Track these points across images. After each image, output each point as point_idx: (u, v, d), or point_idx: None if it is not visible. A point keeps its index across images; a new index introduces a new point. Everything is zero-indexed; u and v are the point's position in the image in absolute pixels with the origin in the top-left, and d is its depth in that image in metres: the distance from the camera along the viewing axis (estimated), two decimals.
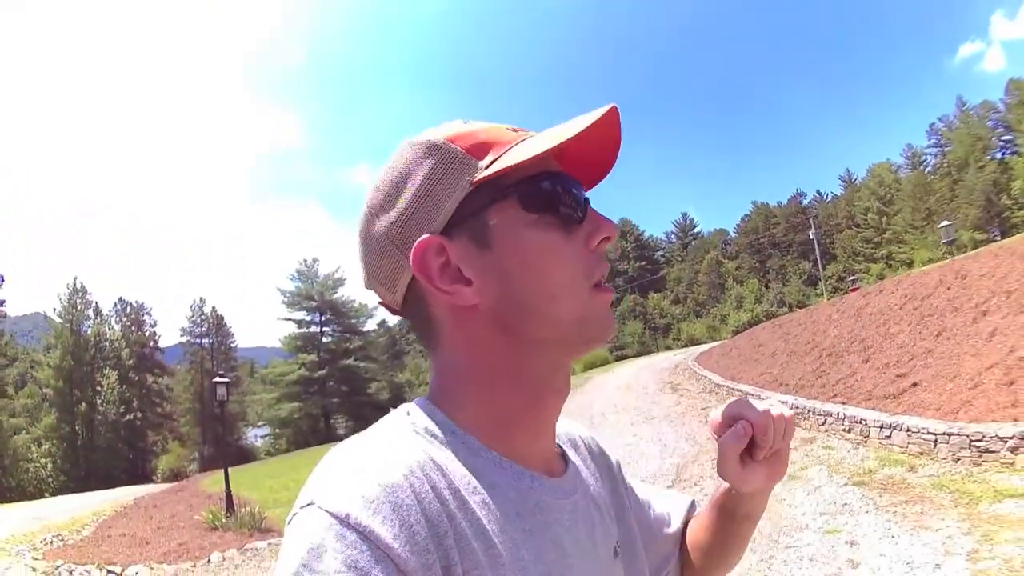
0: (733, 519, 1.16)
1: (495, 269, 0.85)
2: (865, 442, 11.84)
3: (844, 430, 12.58)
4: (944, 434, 10.03)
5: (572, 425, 1.14)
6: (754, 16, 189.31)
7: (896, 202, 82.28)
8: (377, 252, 0.88)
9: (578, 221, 0.88)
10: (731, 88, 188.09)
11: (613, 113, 0.86)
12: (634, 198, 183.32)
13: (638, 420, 18.90)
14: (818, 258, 71.57)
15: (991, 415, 9.80)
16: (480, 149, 0.85)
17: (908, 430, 10.83)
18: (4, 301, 64.81)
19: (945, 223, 35.64)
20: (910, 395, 12.06)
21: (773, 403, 1.03)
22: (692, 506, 1.30)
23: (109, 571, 12.31)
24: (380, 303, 0.95)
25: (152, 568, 12.38)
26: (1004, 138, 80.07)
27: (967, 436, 9.61)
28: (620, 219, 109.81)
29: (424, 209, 0.85)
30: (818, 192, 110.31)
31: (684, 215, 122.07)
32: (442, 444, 0.82)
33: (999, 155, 78.55)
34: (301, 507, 0.73)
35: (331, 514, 0.68)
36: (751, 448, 0.99)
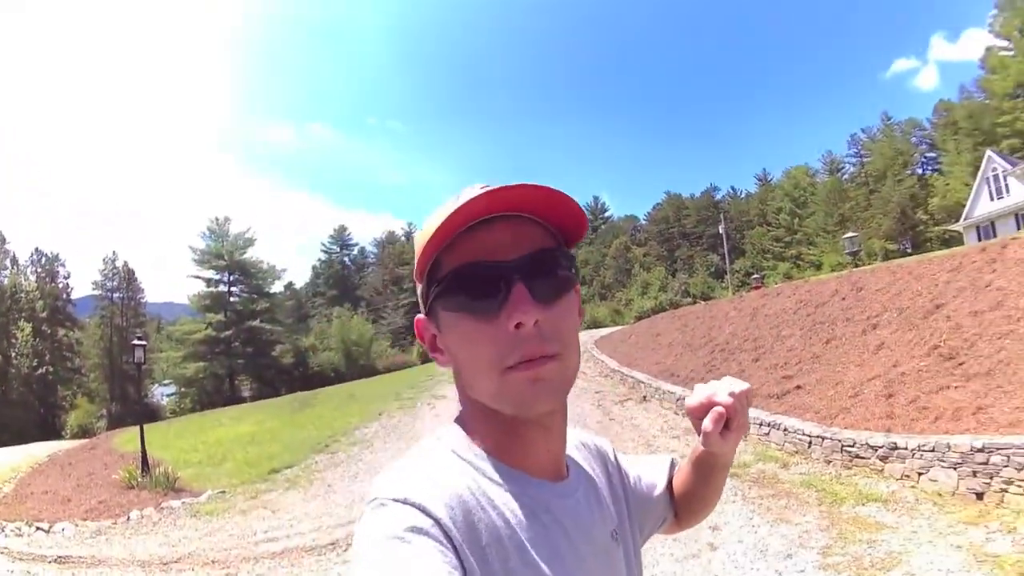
0: (714, 470, 1.44)
1: (445, 345, 1.08)
2: (745, 437, 12.15)
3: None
4: (819, 437, 10.59)
5: (581, 433, 1.38)
6: (683, 9, 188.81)
7: (810, 205, 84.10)
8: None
9: (495, 309, 1.00)
10: (653, 78, 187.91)
11: (481, 201, 0.99)
12: (547, 176, 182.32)
13: None
14: (726, 252, 72.69)
15: (866, 424, 10.31)
16: (422, 245, 1.04)
17: (785, 429, 11.38)
18: None
19: (850, 234, 36.56)
20: (793, 396, 12.60)
21: (732, 381, 1.26)
22: (672, 464, 1.56)
23: (38, 527, 12.47)
24: None
25: (77, 525, 12.52)
26: (928, 155, 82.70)
27: (840, 441, 10.17)
28: None
29: (421, 288, 1.12)
30: (732, 188, 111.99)
31: (596, 198, 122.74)
32: (468, 461, 1.04)
33: (919, 171, 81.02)
34: (367, 503, 0.96)
35: (393, 499, 0.92)
36: (726, 422, 1.20)
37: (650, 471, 1.50)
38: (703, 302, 35.54)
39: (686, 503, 1.50)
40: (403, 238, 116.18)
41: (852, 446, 9.92)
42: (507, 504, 1.00)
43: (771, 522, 8.14)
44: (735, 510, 8.75)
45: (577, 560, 1.05)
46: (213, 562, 9.52)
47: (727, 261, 73.13)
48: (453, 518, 0.91)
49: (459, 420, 1.13)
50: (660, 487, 1.48)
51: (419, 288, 1.12)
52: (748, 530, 7.97)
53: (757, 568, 6.84)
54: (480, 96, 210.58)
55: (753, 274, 63.40)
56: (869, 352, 12.75)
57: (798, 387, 12.87)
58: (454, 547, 0.89)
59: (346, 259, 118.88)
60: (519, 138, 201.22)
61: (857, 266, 28.58)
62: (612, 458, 1.39)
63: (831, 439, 10.35)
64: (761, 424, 12.05)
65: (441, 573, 0.83)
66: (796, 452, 10.99)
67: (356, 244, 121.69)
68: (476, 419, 1.09)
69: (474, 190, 1.00)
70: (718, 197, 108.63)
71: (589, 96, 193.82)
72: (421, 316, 1.13)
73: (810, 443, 10.77)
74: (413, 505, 0.90)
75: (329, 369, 63.15)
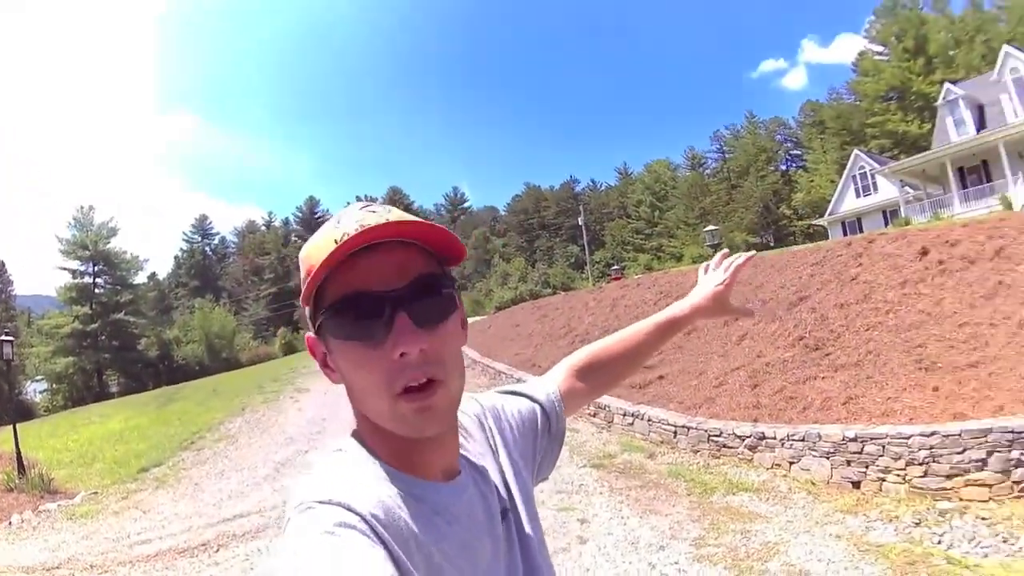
0: (674, 333, 1.79)
1: (336, 365, 1.10)
2: (609, 427, 12.36)
3: (590, 415, 13.06)
4: (684, 427, 10.66)
5: (464, 404, 1.35)
6: (549, 1, 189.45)
7: (671, 199, 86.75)
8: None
9: (381, 336, 1.03)
10: (514, 71, 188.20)
11: (357, 240, 1.02)
12: (408, 167, 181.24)
13: None
14: (586, 243, 73.98)
15: (732, 413, 10.43)
16: (306, 271, 1.07)
17: (650, 420, 11.39)
18: None
19: (710, 228, 37.54)
20: (656, 386, 12.66)
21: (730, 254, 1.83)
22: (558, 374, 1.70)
23: None
24: None
25: None
26: (792, 152, 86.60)
27: (706, 431, 10.26)
28: (391, 187, 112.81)
29: (307, 307, 1.11)
30: (592, 181, 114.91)
31: (455, 189, 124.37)
32: (371, 470, 1.07)
33: (783, 167, 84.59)
34: (293, 510, 0.96)
35: (318, 501, 0.94)
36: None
37: (523, 400, 1.54)
38: (563, 292, 35.79)
39: (623, 368, 1.74)
40: (263, 227, 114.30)
41: (719, 435, 10.01)
42: (412, 508, 1.03)
43: (641, 513, 8.07)
44: (603, 502, 8.66)
45: (482, 553, 1.12)
46: (91, 567, 9.21)
47: (587, 252, 74.22)
48: (376, 516, 0.94)
49: (355, 434, 1.16)
50: (544, 393, 1.56)
51: (307, 310, 1.13)
52: (618, 522, 7.86)
53: (630, 561, 6.72)
54: (342, 87, 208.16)
55: (613, 265, 64.34)
56: (732, 343, 12.93)
57: (660, 377, 12.93)
58: (382, 541, 0.91)
59: (208, 249, 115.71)
60: (379, 129, 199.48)
61: None
62: (487, 418, 1.42)
63: (697, 429, 10.41)
64: (625, 414, 12.05)
65: (374, 560, 0.86)
66: (662, 442, 11.01)
67: (217, 233, 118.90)
68: (371, 433, 1.12)
69: (352, 215, 1.07)
70: (578, 189, 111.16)
71: (449, 88, 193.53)
72: (311, 335, 1.13)
73: (675, 433, 10.81)
74: (339, 505, 0.92)
75: (193, 362, 61.64)
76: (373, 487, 1.00)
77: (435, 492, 1.10)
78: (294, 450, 14.24)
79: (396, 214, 1.08)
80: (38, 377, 65.62)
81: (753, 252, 1.85)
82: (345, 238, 1.00)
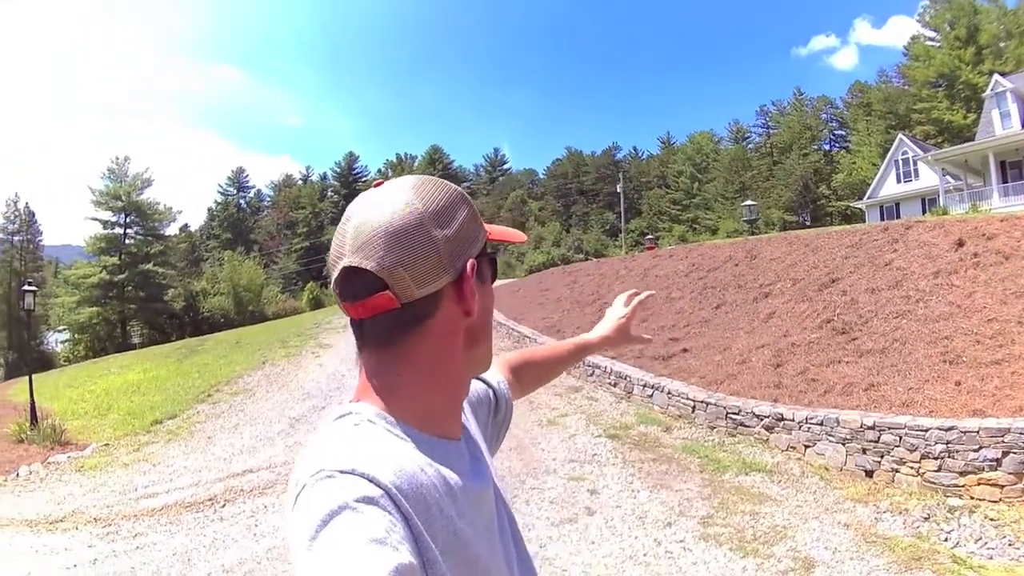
0: (585, 355, 2.04)
1: (482, 298, 1.17)
2: (628, 398, 12.28)
3: (610, 384, 12.98)
4: (703, 402, 10.57)
5: None
6: None
7: (711, 171, 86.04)
8: (423, 252, 1.07)
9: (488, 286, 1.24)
10: (560, 31, 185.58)
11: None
12: (448, 127, 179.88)
13: None
14: (622, 211, 73.48)
15: (753, 392, 10.32)
16: (478, 222, 1.22)
17: (669, 392, 11.31)
18: None
19: (749, 203, 37.30)
20: (679, 360, 12.54)
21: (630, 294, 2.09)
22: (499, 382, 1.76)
23: None
24: (376, 293, 1.06)
25: None
26: (836, 132, 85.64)
27: (725, 408, 10.16)
28: (431, 146, 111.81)
29: (469, 238, 1.16)
30: (634, 148, 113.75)
31: (496, 150, 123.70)
32: (394, 433, 1.06)
33: (826, 147, 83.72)
34: (310, 476, 0.93)
35: (340, 471, 0.91)
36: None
37: (478, 382, 1.64)
38: (595, 259, 35.70)
39: (544, 375, 2.01)
40: (300, 181, 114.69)
41: (737, 414, 9.94)
42: (433, 471, 1.04)
43: (651, 487, 8.04)
44: (615, 473, 8.63)
45: (487, 504, 1.18)
46: (96, 520, 9.21)
47: (623, 220, 73.92)
48: (399, 487, 0.93)
49: (381, 392, 1.13)
50: (495, 379, 1.69)
51: (480, 245, 1.20)
52: (627, 495, 7.84)
53: (636, 536, 6.70)
54: (383, 43, 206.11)
55: (648, 234, 64.05)
56: (759, 320, 12.80)
57: (685, 350, 12.84)
58: (403, 516, 0.91)
59: (242, 202, 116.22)
60: (421, 87, 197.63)
61: (754, 234, 28.99)
62: (471, 403, 1.49)
63: (716, 405, 10.33)
64: (645, 386, 11.98)
65: (392, 542, 0.84)
66: (680, 416, 10.95)
67: (253, 187, 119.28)
68: (438, 381, 1.15)
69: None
70: (619, 156, 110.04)
71: (494, 46, 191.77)
72: (474, 260, 1.17)
73: (694, 408, 10.75)
74: (362, 476, 0.91)
75: (219, 315, 61.93)
76: (396, 454, 1.01)
77: (449, 450, 1.15)
78: (310, 406, 14.27)
79: None
80: (61, 327, 66.26)
81: (652, 292, 2.24)
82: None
